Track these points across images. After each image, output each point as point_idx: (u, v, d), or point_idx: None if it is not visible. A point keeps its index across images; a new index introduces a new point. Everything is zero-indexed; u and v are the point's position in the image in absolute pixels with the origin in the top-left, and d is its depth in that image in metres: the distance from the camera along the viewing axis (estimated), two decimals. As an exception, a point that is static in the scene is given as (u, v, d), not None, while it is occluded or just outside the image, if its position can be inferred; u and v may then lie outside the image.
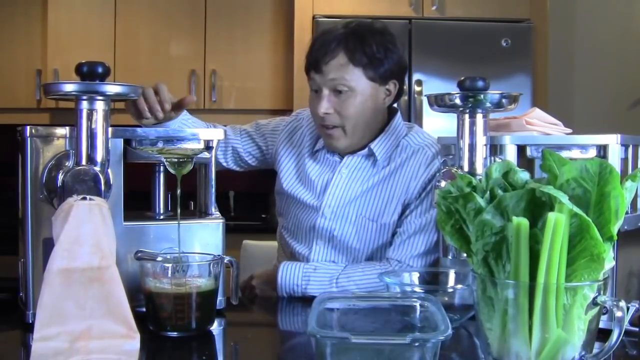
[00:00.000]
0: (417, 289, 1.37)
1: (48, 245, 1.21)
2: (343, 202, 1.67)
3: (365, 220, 1.66)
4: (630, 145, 1.36)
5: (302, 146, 1.76)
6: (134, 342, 1.14)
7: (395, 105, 1.75)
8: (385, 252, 1.66)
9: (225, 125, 1.83)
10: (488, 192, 1.00)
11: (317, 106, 1.63)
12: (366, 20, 1.69)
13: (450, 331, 0.96)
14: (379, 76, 1.63)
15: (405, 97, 3.19)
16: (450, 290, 1.37)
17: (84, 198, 1.20)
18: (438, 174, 1.45)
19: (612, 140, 1.30)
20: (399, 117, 1.73)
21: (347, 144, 1.67)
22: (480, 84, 1.35)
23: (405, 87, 3.14)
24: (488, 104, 1.35)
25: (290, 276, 1.62)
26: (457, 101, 1.35)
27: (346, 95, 1.61)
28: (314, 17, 3.28)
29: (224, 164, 1.84)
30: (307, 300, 1.50)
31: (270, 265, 1.91)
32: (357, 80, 1.61)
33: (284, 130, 1.80)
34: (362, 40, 1.60)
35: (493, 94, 1.35)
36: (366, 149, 1.68)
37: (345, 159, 1.70)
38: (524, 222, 0.92)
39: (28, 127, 1.28)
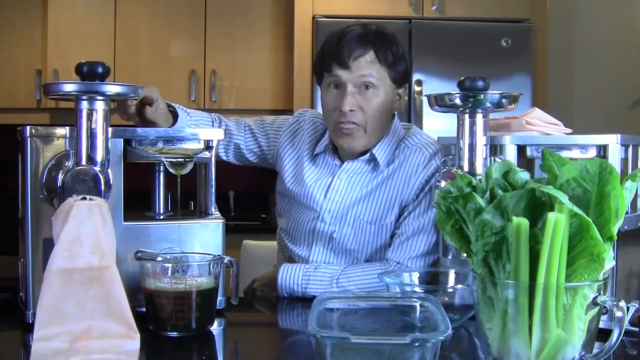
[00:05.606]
0: (417, 289, 1.37)
1: (48, 245, 1.21)
2: (342, 207, 1.66)
3: (364, 223, 1.65)
4: (630, 145, 1.36)
5: (302, 149, 1.75)
6: (134, 342, 1.14)
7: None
8: (384, 253, 1.66)
9: (228, 119, 1.84)
10: (488, 192, 1.00)
11: (340, 102, 1.60)
12: (380, 24, 1.69)
13: (450, 331, 0.96)
14: (397, 79, 1.64)
15: (405, 97, 3.19)
16: (450, 290, 1.37)
17: (84, 198, 1.20)
18: (438, 174, 1.45)
19: (612, 140, 1.30)
20: (397, 119, 1.73)
21: (364, 144, 1.64)
22: (480, 84, 1.35)
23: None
24: (488, 104, 1.35)
25: (291, 276, 1.61)
26: (457, 101, 1.35)
27: (372, 93, 1.60)
28: (314, 17, 3.28)
29: (224, 158, 1.83)
30: (307, 300, 1.50)
31: (270, 266, 1.91)
32: (383, 79, 1.61)
33: (287, 132, 1.80)
34: (389, 41, 1.62)
35: (493, 94, 1.34)
36: (368, 154, 1.66)
37: (345, 164, 1.69)
38: (524, 222, 0.92)
39: (28, 127, 1.28)
